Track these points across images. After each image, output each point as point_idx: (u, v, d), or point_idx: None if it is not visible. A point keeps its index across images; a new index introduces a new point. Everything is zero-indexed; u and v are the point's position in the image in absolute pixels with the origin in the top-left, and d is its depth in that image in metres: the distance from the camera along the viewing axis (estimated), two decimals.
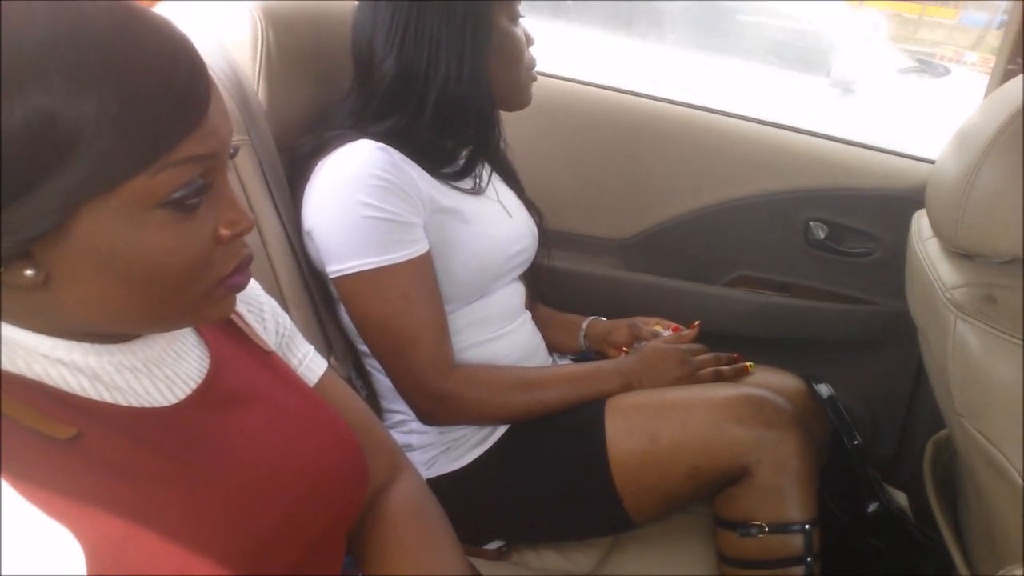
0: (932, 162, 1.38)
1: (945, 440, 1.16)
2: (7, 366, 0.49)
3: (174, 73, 0.46)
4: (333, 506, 0.63)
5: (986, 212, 0.82)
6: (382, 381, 1.09)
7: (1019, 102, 0.79)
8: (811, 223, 1.43)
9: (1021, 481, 0.73)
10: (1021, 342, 0.76)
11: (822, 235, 1.43)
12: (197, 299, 0.52)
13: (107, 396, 0.52)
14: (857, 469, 1.14)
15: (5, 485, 0.44)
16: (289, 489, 0.59)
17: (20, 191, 0.43)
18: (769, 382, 1.12)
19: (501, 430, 1.06)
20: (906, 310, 1.08)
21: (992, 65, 1.29)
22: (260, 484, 0.57)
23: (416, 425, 1.07)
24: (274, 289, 0.98)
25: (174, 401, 0.56)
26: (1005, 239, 0.82)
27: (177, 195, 0.47)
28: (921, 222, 1.05)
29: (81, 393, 0.51)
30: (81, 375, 0.51)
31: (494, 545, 1.08)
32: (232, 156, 0.55)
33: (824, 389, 1.17)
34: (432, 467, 1.07)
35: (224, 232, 0.52)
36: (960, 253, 0.89)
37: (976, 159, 0.81)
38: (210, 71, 0.50)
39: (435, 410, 1.03)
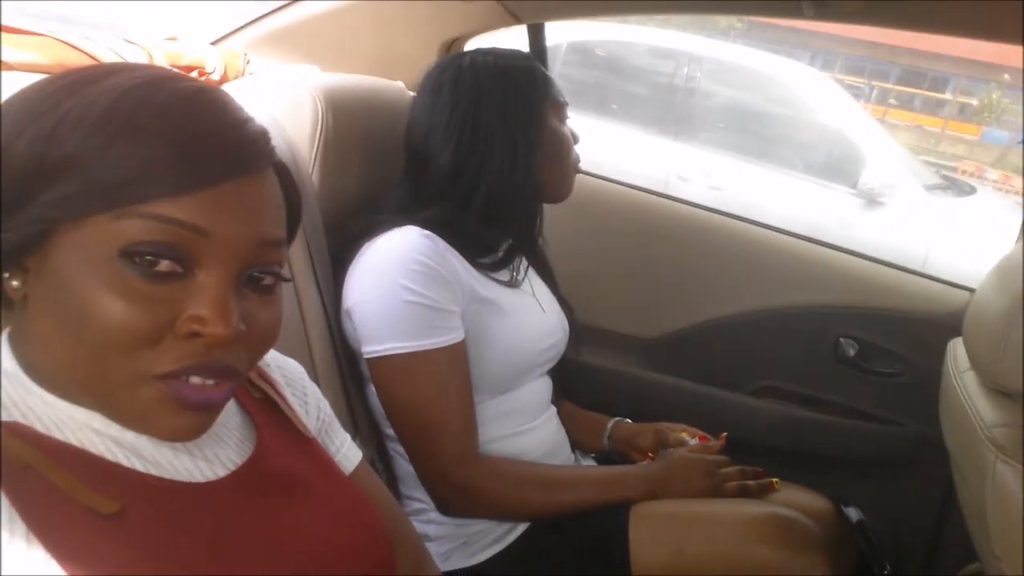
0: (968, 289, 1.39)
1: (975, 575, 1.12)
2: (56, 434, 0.49)
3: (188, 136, 0.48)
4: None
5: None
6: (404, 467, 1.08)
7: None
8: (841, 339, 1.43)
9: None
10: None
11: (852, 352, 1.42)
12: (125, 383, 0.48)
13: (152, 470, 0.52)
14: None
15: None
16: None
17: (20, 199, 0.46)
18: (797, 501, 1.09)
19: (521, 528, 1.04)
20: (935, 435, 1.07)
21: (1013, 183, 1.31)
22: (294, 574, 0.56)
23: (435, 515, 1.05)
24: (308, 365, 0.98)
25: (213, 478, 0.56)
26: None
27: (136, 248, 0.46)
28: (957, 351, 1.05)
29: (126, 463, 0.51)
30: (121, 449, 0.51)
31: None
32: (277, 277, 0.53)
33: (853, 513, 1.14)
34: (447, 560, 1.04)
35: (182, 326, 0.48)
36: (1000, 390, 0.88)
37: (1019, 296, 0.82)
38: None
39: (454, 500, 1.01)
